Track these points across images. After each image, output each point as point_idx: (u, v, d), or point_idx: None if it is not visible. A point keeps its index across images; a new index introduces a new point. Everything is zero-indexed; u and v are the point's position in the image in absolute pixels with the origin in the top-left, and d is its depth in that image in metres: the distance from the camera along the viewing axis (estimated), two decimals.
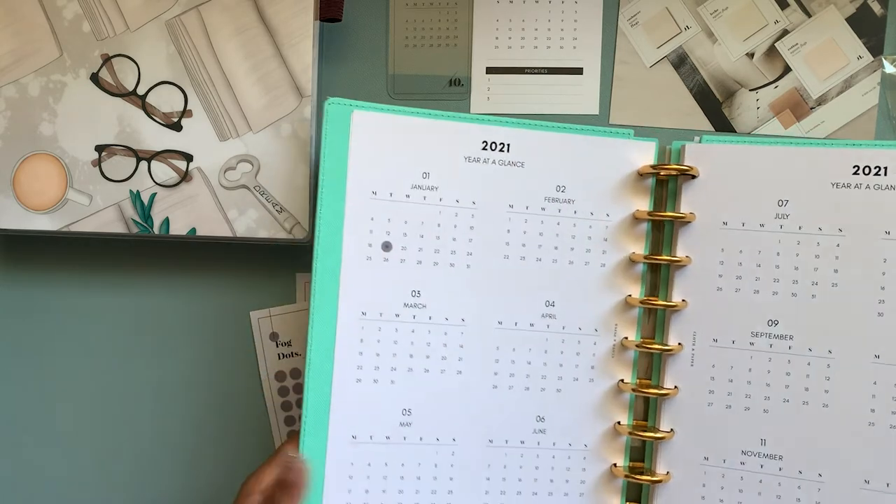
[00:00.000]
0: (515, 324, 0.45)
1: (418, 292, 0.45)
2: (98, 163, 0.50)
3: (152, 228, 0.50)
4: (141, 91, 0.50)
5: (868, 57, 0.53)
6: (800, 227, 0.44)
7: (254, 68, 0.50)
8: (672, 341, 0.46)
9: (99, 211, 0.50)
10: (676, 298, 0.46)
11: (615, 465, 0.46)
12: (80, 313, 0.54)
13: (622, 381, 0.46)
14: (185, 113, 0.50)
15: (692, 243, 0.45)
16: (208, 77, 0.50)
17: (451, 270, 0.45)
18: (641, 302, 0.45)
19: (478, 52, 0.54)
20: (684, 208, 0.46)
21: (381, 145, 0.45)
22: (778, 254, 0.45)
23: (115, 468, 0.54)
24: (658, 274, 0.47)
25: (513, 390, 0.45)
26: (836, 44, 0.53)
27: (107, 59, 0.50)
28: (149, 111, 0.50)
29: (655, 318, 0.47)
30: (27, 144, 0.49)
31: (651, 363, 0.47)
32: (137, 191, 0.50)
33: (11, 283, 0.54)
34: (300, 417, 0.54)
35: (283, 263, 0.54)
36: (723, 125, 0.53)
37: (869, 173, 0.43)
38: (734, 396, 0.45)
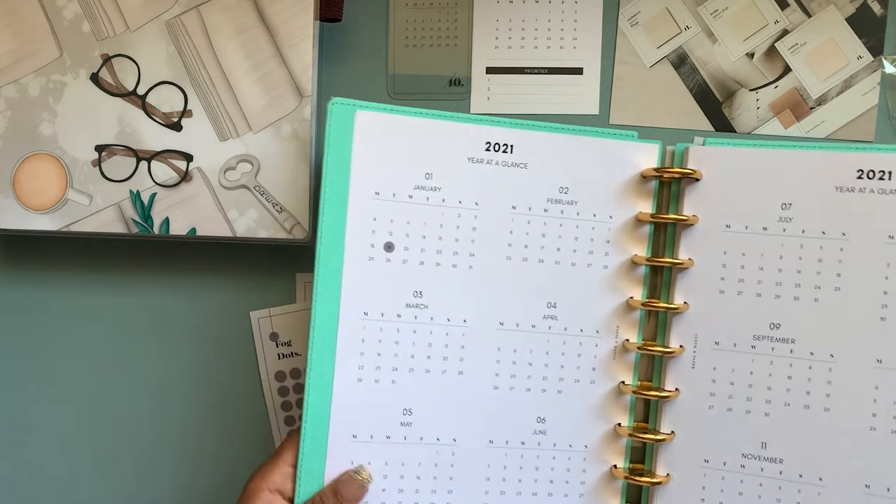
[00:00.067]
0: (517, 325, 0.45)
1: (420, 293, 0.45)
2: (98, 163, 0.50)
3: (152, 228, 0.50)
4: (141, 91, 0.50)
5: (868, 57, 0.53)
6: (803, 231, 0.44)
7: (254, 68, 0.50)
8: (673, 343, 0.46)
9: (99, 211, 0.50)
10: (678, 301, 0.45)
11: (615, 466, 0.46)
12: (80, 313, 0.54)
13: (623, 382, 0.46)
14: (185, 113, 0.50)
15: (694, 246, 0.45)
16: (208, 77, 0.50)
17: (453, 271, 0.45)
18: (643, 304, 0.45)
19: (478, 52, 0.54)
20: (687, 211, 0.45)
21: (384, 145, 0.45)
22: (781, 257, 0.44)
23: (115, 468, 0.54)
24: (660, 276, 0.47)
25: (514, 391, 0.45)
26: (836, 44, 0.53)
27: (107, 59, 0.50)
28: (149, 111, 0.50)
29: (657, 320, 0.47)
30: (27, 144, 0.49)
31: (652, 365, 0.47)
32: (137, 191, 0.50)
33: (11, 283, 0.54)
34: (300, 417, 0.54)
35: (283, 263, 0.54)
36: (723, 125, 0.53)
37: (873, 177, 0.43)
38: (735, 399, 0.45)
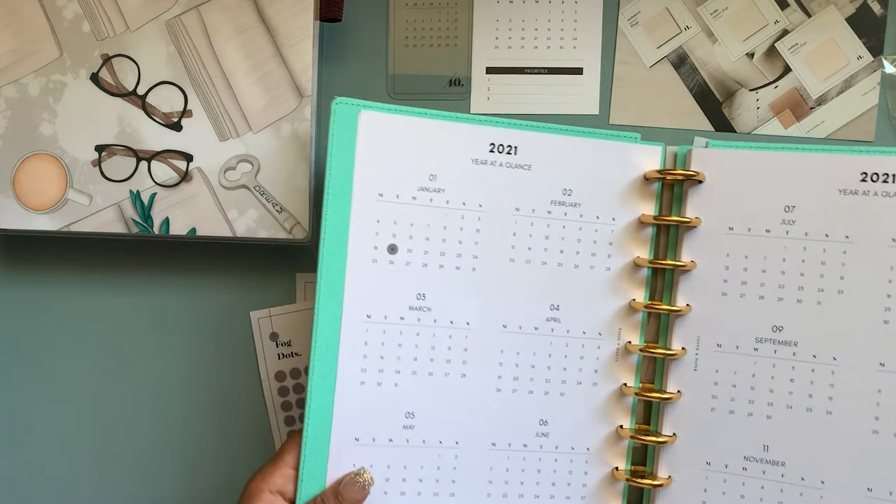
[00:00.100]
0: (520, 327, 0.45)
1: (423, 295, 0.45)
2: (98, 163, 0.50)
3: (152, 228, 0.50)
4: (141, 91, 0.50)
5: (868, 57, 0.53)
6: (806, 234, 0.44)
7: (254, 68, 0.50)
8: (675, 346, 0.46)
9: (99, 211, 0.50)
10: (681, 303, 0.45)
11: (616, 468, 0.46)
12: (80, 313, 0.54)
13: (625, 384, 0.46)
14: (185, 113, 0.50)
15: (697, 248, 0.45)
16: (208, 77, 0.50)
17: (456, 273, 0.45)
18: (646, 306, 0.45)
19: (478, 52, 0.54)
20: (690, 213, 0.45)
21: (388, 146, 0.44)
22: (784, 260, 0.44)
23: (115, 468, 0.54)
24: (662, 278, 0.47)
25: (516, 394, 0.45)
26: (836, 44, 0.53)
27: (107, 59, 0.50)
28: (149, 111, 0.50)
29: (659, 322, 0.47)
30: (27, 144, 0.49)
31: (654, 367, 0.47)
32: (137, 191, 0.50)
33: (11, 283, 0.54)
34: (300, 417, 0.54)
35: (283, 263, 0.54)
36: (723, 125, 0.53)
37: (877, 180, 0.43)
38: (737, 402, 0.45)
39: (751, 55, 0.53)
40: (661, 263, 0.45)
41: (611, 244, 0.46)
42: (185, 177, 0.50)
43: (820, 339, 0.44)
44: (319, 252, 0.43)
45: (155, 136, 0.50)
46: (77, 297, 0.54)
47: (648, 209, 0.46)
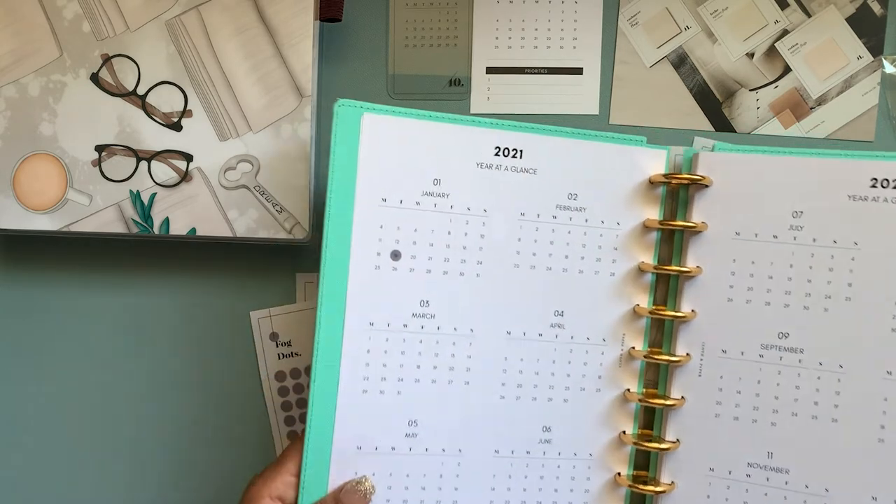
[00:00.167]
0: (524, 333, 0.45)
1: (427, 302, 0.44)
2: (98, 163, 0.50)
3: (152, 228, 0.50)
4: (141, 91, 0.50)
5: (868, 57, 0.53)
6: (814, 240, 0.44)
7: (254, 68, 0.50)
8: (680, 351, 0.45)
9: (99, 211, 0.50)
10: (686, 309, 0.45)
11: (619, 474, 0.46)
12: (80, 313, 0.54)
13: (628, 390, 0.46)
14: (185, 113, 0.50)
15: (703, 253, 0.45)
16: (208, 77, 0.50)
17: (460, 279, 0.44)
18: (650, 312, 0.45)
19: (478, 52, 0.54)
20: (696, 218, 0.45)
21: (391, 150, 0.43)
22: (791, 266, 0.44)
23: (115, 468, 0.54)
24: (667, 283, 0.46)
25: (520, 401, 0.45)
26: (836, 44, 0.53)
27: (107, 59, 0.50)
28: (149, 111, 0.50)
29: (663, 328, 0.46)
30: (27, 144, 0.49)
31: (658, 372, 0.46)
32: (137, 191, 0.50)
33: (11, 283, 0.54)
34: (301, 417, 0.54)
35: (283, 263, 0.54)
36: (723, 125, 0.53)
37: (887, 186, 0.43)
38: (742, 408, 0.44)
39: (751, 55, 0.53)
40: (665, 269, 0.45)
41: (615, 249, 0.45)
42: (185, 177, 0.50)
43: (826, 347, 0.43)
44: (322, 258, 0.43)
45: (155, 136, 0.50)
46: (77, 297, 0.54)
47: (653, 213, 0.46)
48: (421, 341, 0.44)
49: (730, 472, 0.45)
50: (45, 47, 0.50)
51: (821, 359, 0.44)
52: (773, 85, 0.53)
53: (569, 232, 0.45)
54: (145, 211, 0.50)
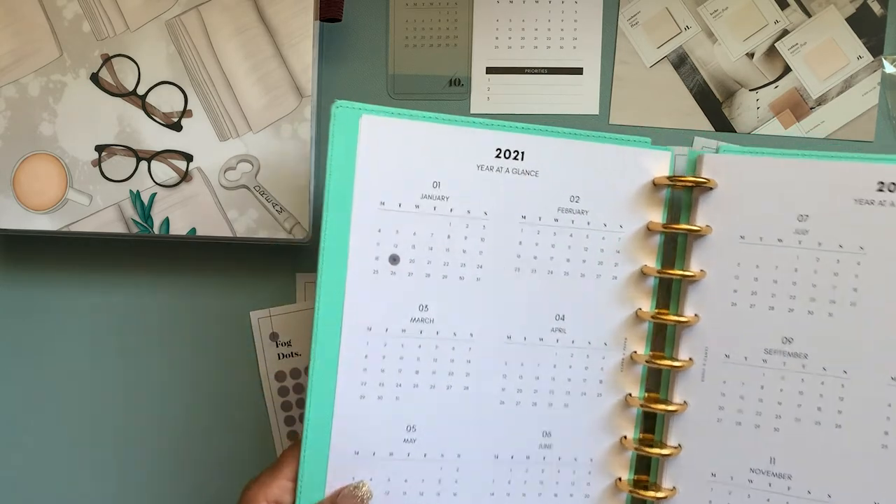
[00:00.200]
0: (524, 338, 0.44)
1: (426, 306, 0.43)
2: (98, 163, 0.50)
3: (152, 228, 0.50)
4: (141, 91, 0.50)
5: (868, 57, 0.53)
6: (819, 244, 0.43)
7: (254, 68, 0.50)
8: (683, 355, 0.45)
9: (99, 211, 0.50)
10: (688, 313, 0.44)
11: (619, 479, 0.45)
12: (80, 313, 0.54)
13: (629, 395, 0.45)
14: (185, 113, 0.50)
15: (707, 257, 0.44)
16: (208, 77, 0.50)
17: (460, 284, 0.44)
18: (652, 317, 0.44)
19: (478, 52, 0.54)
20: (700, 220, 0.44)
21: (390, 152, 0.42)
22: (796, 270, 0.43)
23: (114, 468, 0.54)
24: (670, 287, 0.46)
25: (520, 406, 0.44)
26: (836, 44, 0.53)
27: (107, 59, 0.50)
28: (149, 111, 0.50)
29: (665, 332, 0.46)
30: (27, 144, 0.49)
31: (660, 376, 0.46)
32: (137, 191, 0.50)
33: (11, 283, 0.54)
34: (300, 417, 0.54)
35: (283, 263, 0.54)
36: (723, 125, 0.53)
37: (894, 190, 0.42)
38: (744, 413, 0.44)
39: (751, 55, 0.53)
40: (669, 273, 0.44)
41: (618, 252, 0.45)
42: (185, 177, 0.50)
43: (830, 352, 0.43)
44: (319, 262, 0.42)
45: (155, 136, 0.50)
46: (77, 297, 0.54)
47: (657, 216, 0.45)
48: (420, 346, 0.43)
49: (732, 478, 0.44)
50: (45, 47, 0.50)
51: (825, 364, 0.43)
52: (773, 85, 0.53)
53: (571, 235, 0.44)
54: (145, 211, 0.50)
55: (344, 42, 0.54)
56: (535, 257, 0.44)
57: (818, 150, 0.52)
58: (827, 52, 0.53)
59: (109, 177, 0.50)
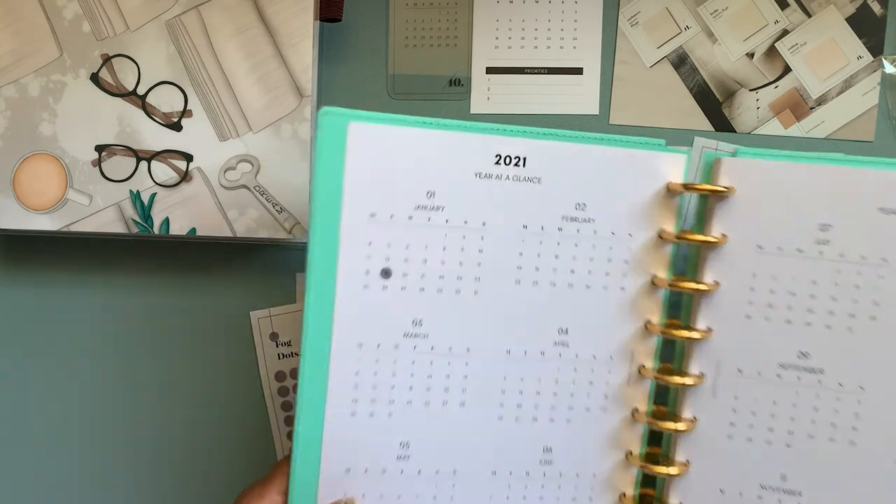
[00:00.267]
0: (525, 353, 0.42)
1: (420, 321, 0.41)
2: (98, 163, 0.50)
3: (152, 228, 0.50)
4: (141, 91, 0.50)
5: (868, 57, 0.53)
6: (841, 255, 0.41)
7: (254, 68, 0.50)
8: (693, 370, 0.43)
9: (99, 211, 0.50)
10: (701, 326, 0.42)
11: (624, 494, 0.44)
12: (80, 313, 0.54)
13: (636, 409, 0.43)
14: (185, 113, 0.50)
15: (722, 267, 0.42)
16: (208, 77, 0.50)
17: (456, 298, 0.41)
18: (662, 331, 0.42)
19: (478, 52, 0.54)
20: (716, 230, 0.42)
21: (381, 161, 0.40)
22: (814, 282, 0.41)
23: (114, 468, 0.54)
24: (681, 298, 0.44)
25: (519, 421, 0.42)
26: (836, 44, 0.53)
27: (107, 59, 0.50)
28: (149, 111, 0.50)
29: (675, 344, 0.44)
30: (27, 144, 0.49)
31: (669, 391, 0.44)
32: (137, 191, 0.50)
33: (11, 283, 0.54)
34: None
35: (283, 263, 0.54)
36: (723, 125, 0.53)
37: None
38: (756, 429, 0.42)
39: (751, 55, 0.53)
40: (681, 287, 0.42)
41: (626, 262, 0.42)
42: (185, 177, 0.50)
43: (848, 367, 0.41)
44: (306, 278, 0.40)
45: (155, 136, 0.50)
46: (77, 297, 0.54)
47: (668, 224, 0.42)
48: (413, 362, 0.41)
49: (741, 494, 0.43)
50: (45, 47, 0.50)
51: (841, 380, 0.42)
52: (773, 85, 0.53)
53: (576, 245, 0.42)
54: (145, 211, 0.50)
55: (344, 42, 0.54)
56: (536, 269, 0.42)
57: (818, 150, 0.52)
58: (827, 52, 0.53)
59: (109, 177, 0.50)
